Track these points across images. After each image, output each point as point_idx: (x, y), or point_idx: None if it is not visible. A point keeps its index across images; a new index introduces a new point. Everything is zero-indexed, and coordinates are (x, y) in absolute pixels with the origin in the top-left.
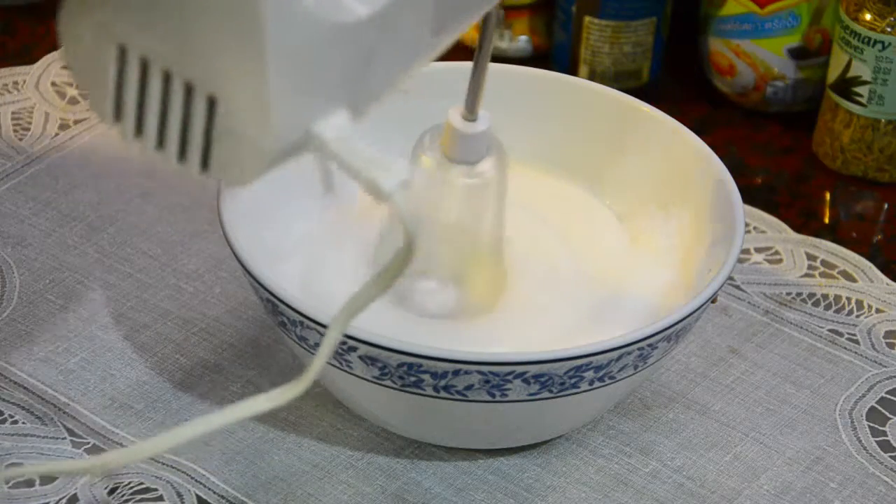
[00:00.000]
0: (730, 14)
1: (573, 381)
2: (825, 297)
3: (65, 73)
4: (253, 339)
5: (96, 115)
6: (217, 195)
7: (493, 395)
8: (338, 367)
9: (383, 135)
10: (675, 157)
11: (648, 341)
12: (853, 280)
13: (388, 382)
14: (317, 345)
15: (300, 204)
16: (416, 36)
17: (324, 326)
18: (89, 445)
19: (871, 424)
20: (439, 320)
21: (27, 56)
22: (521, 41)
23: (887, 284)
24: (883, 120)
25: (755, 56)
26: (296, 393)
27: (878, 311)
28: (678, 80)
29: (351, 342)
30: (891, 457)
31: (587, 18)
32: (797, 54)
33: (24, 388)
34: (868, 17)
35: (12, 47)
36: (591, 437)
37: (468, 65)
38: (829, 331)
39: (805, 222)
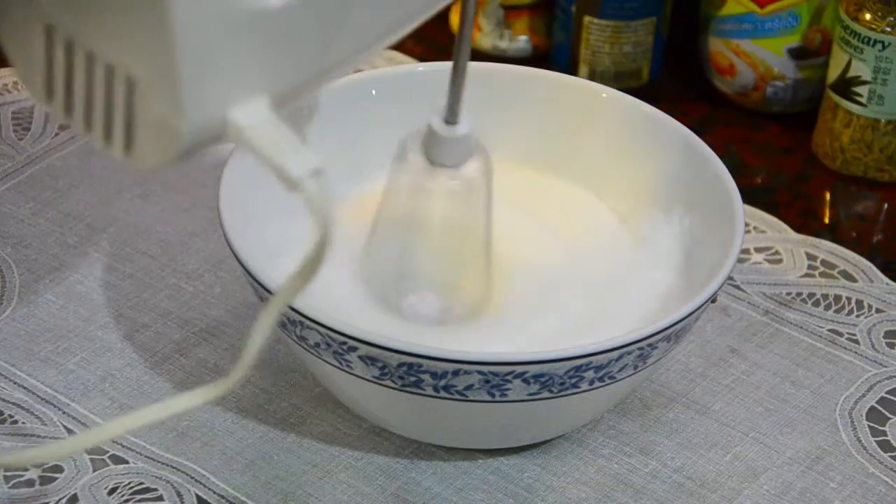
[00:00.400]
0: (730, 14)
1: (573, 381)
2: (825, 297)
3: None
4: None
5: (30, 94)
6: (217, 195)
7: (493, 395)
8: (338, 367)
9: (383, 137)
10: (675, 158)
11: (648, 341)
12: (853, 280)
13: (388, 382)
14: (317, 345)
15: (300, 204)
16: (349, 27)
17: (324, 326)
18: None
19: (871, 424)
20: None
21: None
22: (521, 41)
23: (887, 284)
24: (883, 120)
25: (755, 56)
26: (228, 387)
27: (878, 311)
28: (678, 80)
29: (351, 342)
30: (891, 457)
31: (587, 18)
32: (797, 54)
33: (24, 388)
34: (868, 17)
35: None
36: (591, 437)
37: (469, 64)
38: (829, 331)
39: (805, 222)
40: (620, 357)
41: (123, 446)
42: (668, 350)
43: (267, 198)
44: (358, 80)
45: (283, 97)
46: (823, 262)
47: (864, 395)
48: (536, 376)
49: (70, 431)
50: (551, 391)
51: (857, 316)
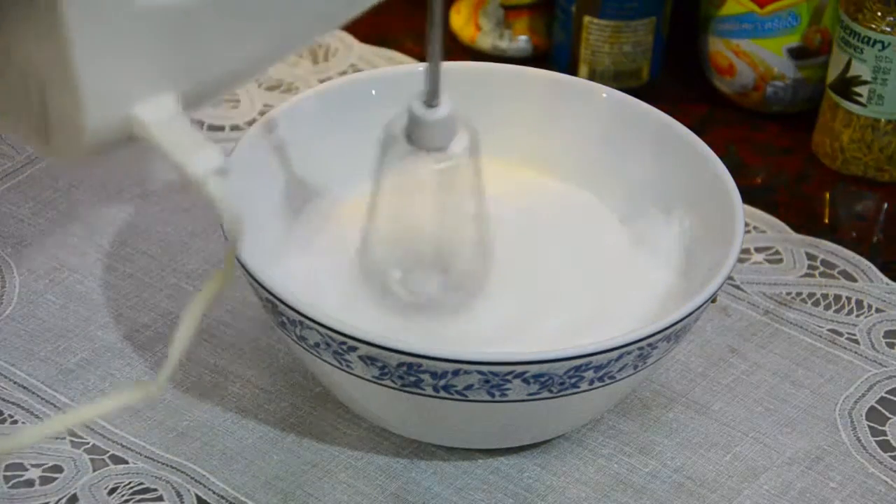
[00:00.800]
0: (730, 14)
1: (573, 381)
2: (825, 296)
3: None
4: (253, 339)
5: None
6: None
7: (492, 395)
8: (338, 367)
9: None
10: (675, 158)
11: (648, 341)
12: (853, 280)
13: (388, 382)
14: (317, 345)
15: (300, 204)
16: (260, 27)
17: (324, 326)
18: (89, 445)
19: (871, 424)
20: (439, 320)
21: None
22: (521, 41)
23: (887, 284)
24: (883, 120)
25: (755, 56)
26: (158, 389)
27: (877, 311)
28: (678, 80)
29: (351, 342)
30: (891, 457)
31: (587, 18)
32: (797, 54)
33: (24, 388)
34: (868, 17)
35: None
36: (591, 437)
37: (469, 64)
38: (829, 331)
39: (805, 222)
40: (620, 357)
41: (123, 446)
42: (668, 350)
43: (267, 198)
44: (358, 80)
45: (194, 96)
46: (823, 262)
47: (863, 395)
48: (536, 376)
49: (70, 431)
50: (551, 391)
51: (857, 316)
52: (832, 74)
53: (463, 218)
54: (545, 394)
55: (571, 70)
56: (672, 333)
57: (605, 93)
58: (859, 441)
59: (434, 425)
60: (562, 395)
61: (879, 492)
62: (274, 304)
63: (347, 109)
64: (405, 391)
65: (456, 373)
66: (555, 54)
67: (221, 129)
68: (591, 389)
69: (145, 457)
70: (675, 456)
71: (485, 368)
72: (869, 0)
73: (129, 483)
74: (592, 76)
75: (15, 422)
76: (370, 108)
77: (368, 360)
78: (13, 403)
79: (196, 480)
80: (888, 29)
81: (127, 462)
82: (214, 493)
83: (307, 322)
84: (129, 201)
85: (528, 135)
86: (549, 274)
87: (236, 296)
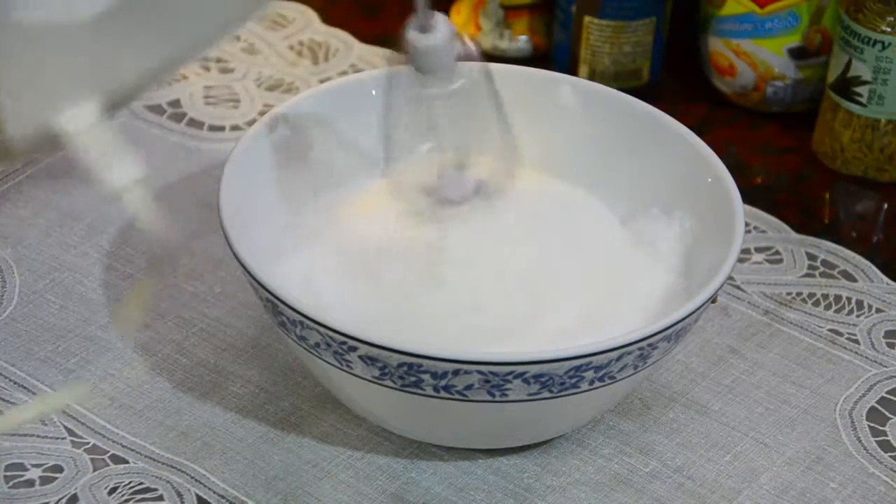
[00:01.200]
0: (730, 14)
1: (573, 381)
2: (825, 296)
3: None
4: (253, 339)
5: None
6: (217, 195)
7: (493, 395)
8: (338, 367)
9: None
10: (675, 158)
11: (648, 341)
12: (853, 280)
13: (388, 382)
14: (317, 345)
15: (300, 204)
16: (170, 33)
17: (324, 326)
18: (89, 445)
19: (871, 424)
20: (439, 320)
21: None
22: (521, 41)
23: (887, 284)
24: (883, 120)
25: (755, 56)
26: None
27: (878, 311)
28: (678, 80)
29: (351, 342)
30: (891, 457)
31: (587, 18)
32: (797, 54)
33: (24, 388)
34: (868, 17)
35: None
36: (591, 437)
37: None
38: (829, 331)
39: (805, 222)
40: (620, 357)
41: (123, 446)
42: (668, 350)
43: (267, 198)
44: (358, 80)
45: (115, 101)
46: (823, 262)
47: (864, 395)
48: (536, 376)
49: (70, 432)
50: (551, 391)
51: (857, 316)
52: (832, 74)
53: (486, 123)
54: (545, 394)
55: (571, 70)
56: (672, 333)
57: (606, 93)
58: (859, 441)
59: (434, 425)
60: (562, 396)
61: (880, 492)
62: (274, 304)
63: (347, 109)
64: (405, 391)
65: (456, 373)
66: (555, 54)
67: (221, 129)
68: (591, 389)
69: (146, 456)
70: (675, 456)
71: (485, 368)
72: (869, 0)
73: (130, 483)
74: (592, 76)
75: None
76: (370, 108)
77: (369, 360)
78: (13, 403)
79: (196, 480)
80: (888, 29)
81: (127, 462)
82: (214, 492)
83: (307, 322)
84: (129, 201)
85: (528, 135)
86: (550, 274)
87: (236, 296)
